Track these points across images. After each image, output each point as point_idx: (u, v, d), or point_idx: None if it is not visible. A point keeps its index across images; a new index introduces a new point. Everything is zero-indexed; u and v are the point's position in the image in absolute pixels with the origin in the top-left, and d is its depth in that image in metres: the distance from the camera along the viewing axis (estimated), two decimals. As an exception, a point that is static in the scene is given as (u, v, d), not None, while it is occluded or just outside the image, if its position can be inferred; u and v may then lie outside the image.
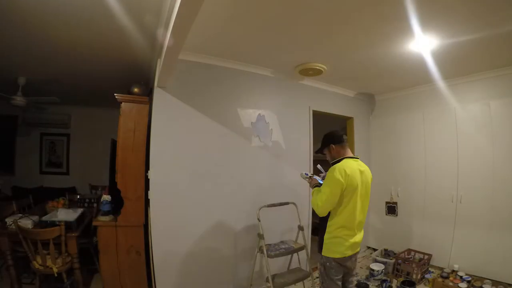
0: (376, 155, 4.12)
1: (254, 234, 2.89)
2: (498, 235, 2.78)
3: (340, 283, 1.86)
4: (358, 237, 1.84)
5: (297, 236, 2.68)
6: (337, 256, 1.78)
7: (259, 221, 2.39)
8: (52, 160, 5.23)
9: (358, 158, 1.89)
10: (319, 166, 2.19)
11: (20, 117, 4.89)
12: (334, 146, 1.89)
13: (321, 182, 1.88)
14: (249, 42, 2.39)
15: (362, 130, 4.07)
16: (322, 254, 1.83)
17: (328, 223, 1.81)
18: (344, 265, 1.83)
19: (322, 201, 1.72)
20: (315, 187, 1.90)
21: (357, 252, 1.90)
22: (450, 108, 3.27)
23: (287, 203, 2.69)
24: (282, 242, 2.69)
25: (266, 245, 2.44)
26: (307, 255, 2.67)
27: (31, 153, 5.07)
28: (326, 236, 1.81)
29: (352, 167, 1.77)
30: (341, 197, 1.72)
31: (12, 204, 3.02)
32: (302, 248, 2.58)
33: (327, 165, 1.94)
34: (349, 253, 1.79)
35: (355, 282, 2.18)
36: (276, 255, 2.42)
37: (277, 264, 2.81)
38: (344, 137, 1.91)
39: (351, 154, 1.88)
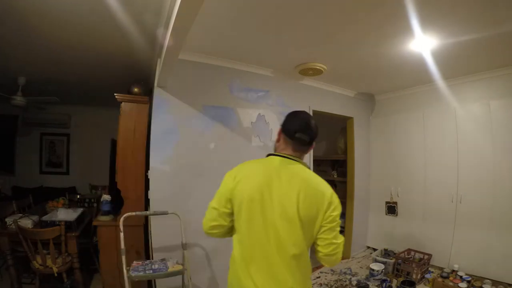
0: (376, 155, 4.12)
1: (255, 234, 2.89)
2: (498, 235, 2.78)
3: None
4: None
5: (183, 256, 2.19)
6: None
7: (121, 232, 2.01)
8: (52, 160, 5.23)
9: (299, 163, 1.14)
10: None
11: (20, 117, 4.89)
12: (281, 132, 1.19)
13: None
14: (249, 42, 2.39)
15: (362, 130, 4.07)
16: None
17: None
18: None
19: (206, 213, 1.16)
20: None
21: None
22: (450, 108, 3.27)
23: (165, 213, 2.23)
24: (162, 260, 2.17)
25: (136, 262, 2.09)
26: (183, 282, 2.19)
27: (31, 153, 5.07)
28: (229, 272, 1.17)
29: (265, 167, 1.11)
30: (239, 212, 1.09)
31: (12, 204, 3.02)
32: (177, 273, 2.07)
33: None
34: None
35: None
36: (138, 277, 1.94)
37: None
38: (298, 134, 1.11)
39: (290, 153, 1.14)
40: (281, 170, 1.09)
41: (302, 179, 1.08)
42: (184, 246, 2.21)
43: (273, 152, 1.19)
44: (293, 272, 1.05)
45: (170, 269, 2.06)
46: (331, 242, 1.08)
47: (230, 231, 1.16)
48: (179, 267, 2.11)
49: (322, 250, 1.09)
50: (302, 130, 1.12)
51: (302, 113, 1.20)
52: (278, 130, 1.21)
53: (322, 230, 1.07)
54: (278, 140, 1.21)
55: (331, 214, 1.07)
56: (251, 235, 1.08)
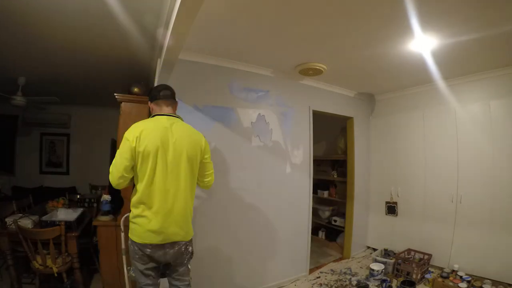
0: (376, 155, 4.12)
1: (255, 234, 2.90)
2: (498, 235, 2.78)
3: (152, 274, 1.59)
4: (171, 226, 1.51)
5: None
6: (137, 240, 1.51)
7: (122, 232, 1.99)
8: (52, 160, 5.23)
9: (178, 118, 1.65)
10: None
11: (20, 117, 4.89)
12: (151, 104, 1.67)
13: None
14: (250, 42, 2.39)
15: (362, 130, 4.07)
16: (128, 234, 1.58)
17: (131, 197, 1.56)
18: (150, 256, 1.53)
19: (112, 166, 1.49)
20: None
21: (173, 244, 1.55)
22: (450, 108, 3.27)
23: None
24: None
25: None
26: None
27: (31, 153, 5.07)
28: (130, 214, 1.56)
29: (154, 126, 1.52)
30: (137, 164, 1.47)
31: (12, 204, 3.02)
32: None
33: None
34: (152, 239, 1.49)
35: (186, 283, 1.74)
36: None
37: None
38: (163, 92, 1.63)
39: (167, 111, 1.62)
40: (171, 126, 1.55)
41: (185, 131, 1.58)
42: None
43: (156, 113, 1.61)
44: (186, 199, 1.58)
45: None
46: (210, 173, 1.76)
47: (131, 181, 1.56)
48: None
49: (203, 179, 1.74)
50: (163, 89, 1.65)
51: (157, 86, 1.75)
52: (149, 104, 1.70)
53: (202, 166, 1.68)
54: (152, 109, 1.66)
55: (206, 154, 1.70)
56: (150, 177, 1.48)
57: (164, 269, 1.70)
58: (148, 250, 1.51)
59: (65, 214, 2.80)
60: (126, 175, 1.49)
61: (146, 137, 1.47)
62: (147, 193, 1.48)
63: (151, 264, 1.57)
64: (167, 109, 1.64)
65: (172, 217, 1.52)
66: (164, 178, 1.50)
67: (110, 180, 1.50)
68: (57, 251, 2.35)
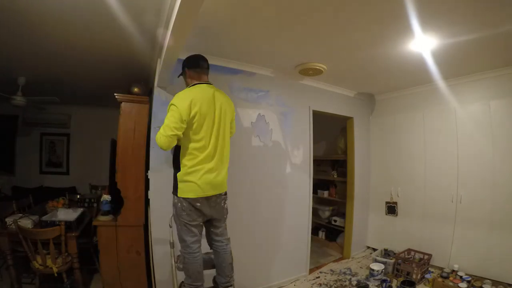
0: (376, 155, 4.12)
1: (255, 234, 2.90)
2: (498, 235, 2.78)
3: (197, 230, 1.79)
4: (219, 174, 1.78)
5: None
6: (191, 195, 1.70)
7: (171, 227, 2.06)
8: (52, 160, 5.23)
9: (212, 84, 1.87)
10: None
11: (20, 117, 4.89)
12: (188, 71, 1.85)
13: None
14: (250, 42, 2.39)
15: (362, 130, 4.07)
16: (177, 195, 1.75)
17: (181, 159, 1.74)
18: (200, 210, 1.74)
19: (162, 128, 1.65)
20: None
21: (219, 196, 1.83)
22: (450, 108, 3.27)
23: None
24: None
25: (178, 256, 2.10)
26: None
27: (31, 153, 5.07)
28: (179, 173, 1.72)
29: (200, 93, 1.74)
30: (190, 127, 1.69)
31: (12, 204, 3.02)
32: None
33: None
34: (207, 191, 1.72)
35: (224, 239, 1.95)
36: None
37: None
38: (201, 62, 1.84)
39: (205, 80, 1.85)
40: (211, 92, 1.79)
41: (224, 97, 1.88)
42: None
43: (195, 83, 1.82)
44: (227, 150, 1.88)
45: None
46: (233, 125, 2.04)
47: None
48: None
49: (231, 130, 1.97)
50: (201, 59, 1.86)
51: (195, 55, 1.90)
52: (184, 72, 1.88)
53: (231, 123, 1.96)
54: (187, 76, 1.86)
55: (234, 113, 2.00)
56: (205, 135, 1.73)
57: (207, 225, 1.94)
58: (198, 204, 1.73)
59: (65, 214, 2.80)
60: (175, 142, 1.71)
61: (196, 104, 1.69)
62: (202, 151, 1.72)
63: (198, 219, 1.78)
64: (205, 78, 1.88)
65: (221, 171, 1.81)
66: (215, 139, 1.77)
67: (162, 144, 1.66)
68: (57, 251, 2.35)
